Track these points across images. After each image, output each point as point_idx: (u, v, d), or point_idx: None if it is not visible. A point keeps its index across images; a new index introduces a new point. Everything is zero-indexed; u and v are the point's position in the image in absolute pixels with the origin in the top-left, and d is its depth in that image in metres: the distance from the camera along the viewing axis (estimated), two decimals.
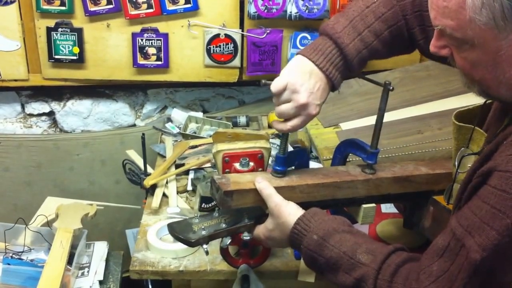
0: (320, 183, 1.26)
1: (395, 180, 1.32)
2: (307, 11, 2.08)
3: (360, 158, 1.33)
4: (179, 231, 1.21)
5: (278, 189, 1.21)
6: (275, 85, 1.17)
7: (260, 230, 1.23)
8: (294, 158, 1.30)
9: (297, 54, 1.22)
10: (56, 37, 2.09)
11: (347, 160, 1.43)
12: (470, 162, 1.12)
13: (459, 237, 0.94)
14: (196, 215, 1.34)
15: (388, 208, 1.67)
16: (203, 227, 1.22)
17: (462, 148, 1.16)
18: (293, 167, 1.32)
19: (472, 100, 1.14)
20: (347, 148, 1.37)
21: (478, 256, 0.90)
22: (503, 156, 0.91)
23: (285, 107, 1.18)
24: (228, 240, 1.29)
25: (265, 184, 1.21)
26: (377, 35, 1.24)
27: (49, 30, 2.09)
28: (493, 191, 0.90)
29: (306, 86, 1.17)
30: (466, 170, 1.07)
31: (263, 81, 1.25)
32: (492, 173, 0.92)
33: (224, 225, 1.23)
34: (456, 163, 1.17)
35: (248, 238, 1.25)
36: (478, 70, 0.97)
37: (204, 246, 1.21)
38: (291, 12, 2.08)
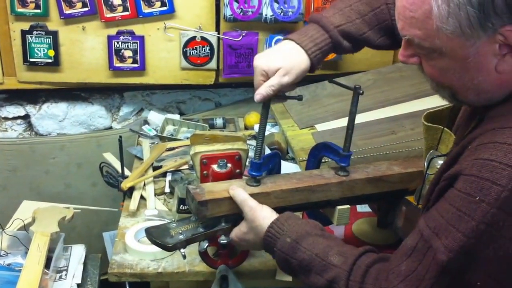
0: (295, 188, 1.27)
1: (368, 180, 1.34)
2: (282, 14, 2.10)
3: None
4: (156, 235, 1.21)
5: (253, 196, 1.22)
6: None
7: (235, 233, 1.24)
8: (268, 162, 1.32)
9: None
10: (31, 40, 2.08)
11: (323, 161, 1.45)
12: (439, 163, 1.15)
13: (427, 238, 0.96)
14: (173, 219, 1.34)
15: (363, 207, 1.70)
16: (180, 231, 1.22)
17: (431, 151, 1.18)
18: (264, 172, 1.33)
19: (445, 100, 1.16)
20: (320, 151, 1.39)
21: (444, 257, 0.92)
22: (469, 161, 0.93)
23: None
24: (205, 244, 1.30)
25: (239, 191, 1.22)
26: (361, 14, 1.29)
27: (23, 33, 2.07)
28: (459, 194, 0.92)
29: None
30: (435, 172, 1.09)
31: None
32: (458, 176, 0.94)
33: (201, 229, 1.24)
34: (425, 164, 1.19)
35: (226, 241, 1.25)
36: (446, 77, 0.99)
37: (182, 250, 1.22)
38: (266, 15, 2.09)
